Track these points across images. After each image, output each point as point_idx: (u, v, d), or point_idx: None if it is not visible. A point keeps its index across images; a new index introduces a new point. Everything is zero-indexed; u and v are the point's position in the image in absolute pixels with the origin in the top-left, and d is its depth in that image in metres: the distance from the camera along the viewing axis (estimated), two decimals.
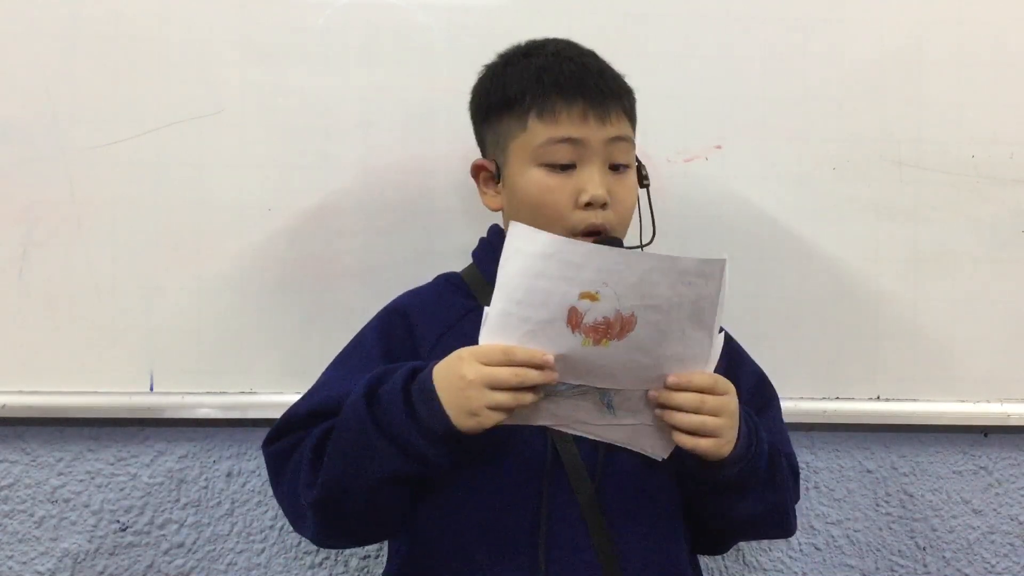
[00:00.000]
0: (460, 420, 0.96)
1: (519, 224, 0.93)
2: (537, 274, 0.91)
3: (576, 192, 1.09)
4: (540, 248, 0.91)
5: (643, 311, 0.92)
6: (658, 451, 1.03)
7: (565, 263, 0.90)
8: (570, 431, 1.01)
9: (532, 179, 1.11)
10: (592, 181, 1.09)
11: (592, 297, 0.91)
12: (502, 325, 0.94)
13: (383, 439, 0.99)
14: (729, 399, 1.00)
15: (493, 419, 0.95)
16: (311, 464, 1.04)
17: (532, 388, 0.95)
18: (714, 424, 0.98)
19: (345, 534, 1.11)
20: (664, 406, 0.98)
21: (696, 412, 0.97)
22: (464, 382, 0.95)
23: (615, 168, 1.12)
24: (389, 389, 1.00)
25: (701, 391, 0.98)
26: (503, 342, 0.94)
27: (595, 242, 1.07)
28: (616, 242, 1.10)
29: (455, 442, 0.98)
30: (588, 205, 1.09)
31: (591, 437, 1.01)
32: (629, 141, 1.13)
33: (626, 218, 1.13)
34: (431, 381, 0.98)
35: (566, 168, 1.10)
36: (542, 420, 0.99)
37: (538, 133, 1.10)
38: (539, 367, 0.93)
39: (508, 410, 0.95)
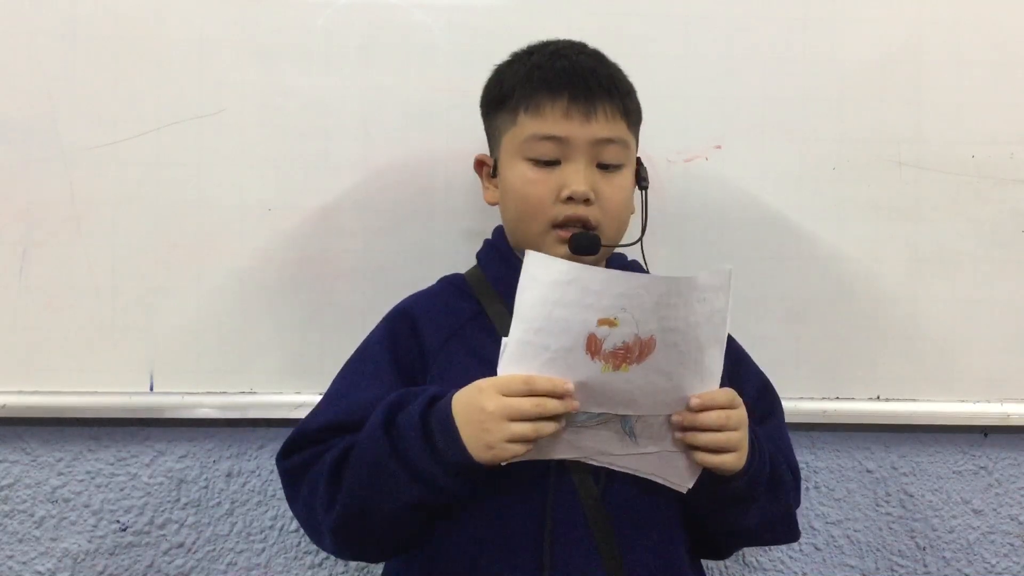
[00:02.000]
0: (478, 452, 0.95)
1: (534, 252, 0.93)
2: (555, 302, 0.90)
3: (559, 187, 1.10)
4: (556, 276, 0.90)
5: (662, 333, 0.91)
6: (682, 481, 1.02)
7: (583, 290, 0.89)
8: (593, 462, 1.00)
9: (517, 172, 1.12)
10: (575, 177, 1.09)
11: (611, 323, 0.90)
12: (521, 354, 0.93)
13: (401, 468, 0.98)
14: (743, 410, 1.01)
15: (511, 451, 0.94)
16: (328, 487, 1.03)
17: (554, 418, 0.94)
18: (737, 438, 0.99)
19: (363, 552, 1.12)
20: (689, 428, 0.97)
21: (720, 430, 0.97)
22: (484, 414, 0.94)
23: (604, 167, 1.12)
24: (407, 418, 1.00)
25: (723, 408, 0.97)
26: (522, 371, 0.93)
27: (573, 236, 1.08)
28: (594, 239, 1.09)
29: (473, 473, 0.97)
30: (569, 200, 1.09)
31: (615, 468, 1.00)
32: (619, 143, 1.12)
33: (614, 216, 1.13)
34: (451, 412, 0.97)
35: (550, 164, 1.11)
36: (563, 453, 0.98)
37: (525, 127, 1.11)
38: (560, 396, 0.93)
39: (529, 441, 0.94)
